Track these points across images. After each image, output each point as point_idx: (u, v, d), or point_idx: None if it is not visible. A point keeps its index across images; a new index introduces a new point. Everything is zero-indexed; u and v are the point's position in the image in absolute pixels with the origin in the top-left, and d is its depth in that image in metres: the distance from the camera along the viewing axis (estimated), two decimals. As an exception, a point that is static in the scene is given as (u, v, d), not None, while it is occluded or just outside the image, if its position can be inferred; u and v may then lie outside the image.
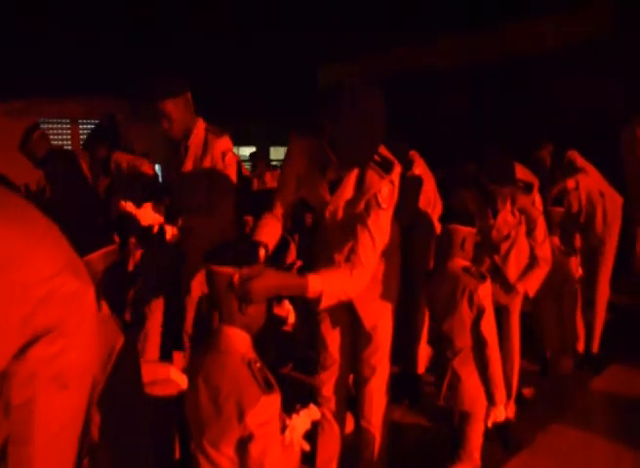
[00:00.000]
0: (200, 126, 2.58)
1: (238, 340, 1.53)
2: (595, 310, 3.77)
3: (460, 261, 2.45)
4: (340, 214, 1.98)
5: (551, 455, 2.63)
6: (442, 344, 2.51)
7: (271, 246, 1.99)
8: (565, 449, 2.67)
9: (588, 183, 3.63)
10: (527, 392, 3.26)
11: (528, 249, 2.87)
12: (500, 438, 2.76)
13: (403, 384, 3.36)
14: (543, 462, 2.58)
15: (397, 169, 1.92)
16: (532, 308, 3.60)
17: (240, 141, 16.88)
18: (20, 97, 16.59)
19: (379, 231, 1.87)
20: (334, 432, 2.26)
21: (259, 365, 1.47)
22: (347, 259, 1.83)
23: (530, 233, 2.82)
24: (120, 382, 2.06)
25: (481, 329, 2.36)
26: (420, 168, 3.34)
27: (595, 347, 3.74)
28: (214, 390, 1.46)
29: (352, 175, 1.91)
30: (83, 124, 16.78)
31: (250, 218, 3.84)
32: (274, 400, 1.44)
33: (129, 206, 2.35)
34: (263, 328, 3.55)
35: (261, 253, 1.57)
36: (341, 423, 2.29)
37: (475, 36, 11.04)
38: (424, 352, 3.41)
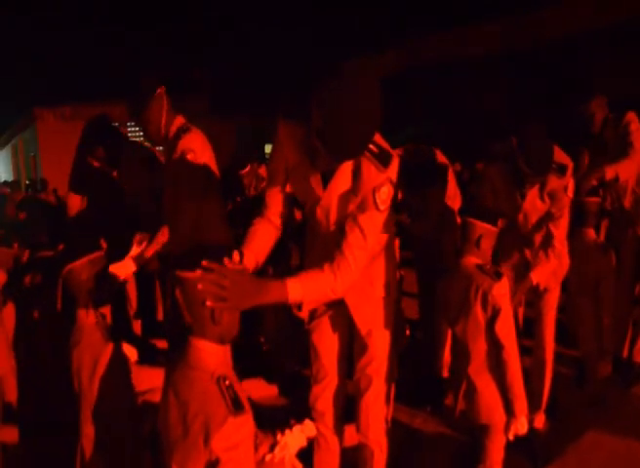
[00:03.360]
0: (176, 125, 2.49)
1: (208, 355, 1.40)
2: None
3: (473, 259, 2.26)
4: (334, 209, 1.80)
5: (583, 469, 2.41)
6: (456, 349, 2.32)
7: (263, 256, 1.84)
8: (599, 463, 2.44)
9: (631, 170, 3.29)
10: (559, 398, 3.01)
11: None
12: (527, 450, 2.54)
13: (425, 389, 3.19)
14: (574, 477, 2.37)
15: (395, 161, 1.74)
16: (568, 308, 3.35)
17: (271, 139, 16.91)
18: (69, 103, 17.19)
19: (371, 231, 1.70)
20: (330, 449, 2.11)
21: (228, 382, 1.34)
22: (332, 259, 1.66)
23: (553, 220, 2.56)
24: (110, 393, 1.99)
25: (497, 331, 2.16)
26: (441, 160, 3.14)
27: None
28: (182, 408, 1.36)
29: (347, 167, 1.74)
30: (132, 126, 17.26)
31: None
32: (244, 421, 1.31)
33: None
34: (287, 331, 3.46)
35: (235, 257, 1.43)
36: (339, 439, 2.14)
37: (511, 21, 10.64)
38: (449, 354, 3.21)
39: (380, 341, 2.02)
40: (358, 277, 1.71)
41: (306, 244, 2.06)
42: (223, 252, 1.47)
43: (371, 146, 1.69)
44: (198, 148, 2.43)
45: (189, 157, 2.39)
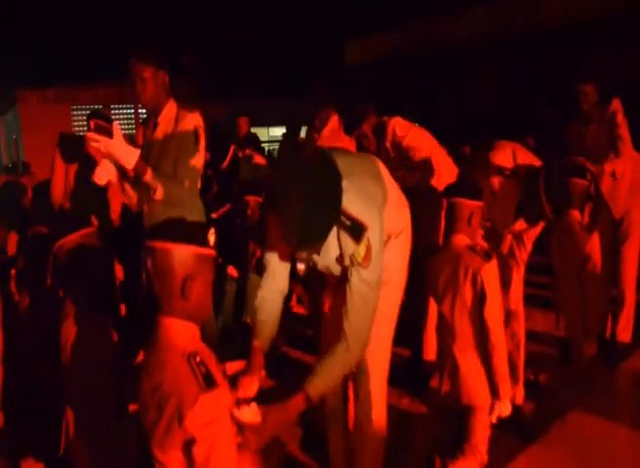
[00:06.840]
0: (172, 104, 2.59)
1: (178, 333, 1.37)
2: (622, 290, 3.47)
3: (464, 238, 2.25)
4: (328, 261, 1.88)
5: (567, 447, 2.43)
6: (442, 328, 2.33)
7: (274, 331, 1.97)
8: (583, 441, 2.46)
9: (625, 168, 3.33)
10: (544, 378, 3.04)
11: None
12: (512, 428, 2.56)
13: (413, 370, 3.20)
14: (558, 455, 2.38)
15: (366, 233, 1.74)
16: (553, 288, 3.37)
17: (271, 122, 16.80)
18: (54, 85, 16.85)
19: (366, 289, 1.76)
20: (341, 419, 2.19)
21: (199, 358, 1.31)
22: (341, 337, 1.76)
23: None
24: (96, 369, 1.96)
25: (484, 313, 2.16)
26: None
27: (625, 332, 3.44)
28: (156, 391, 1.32)
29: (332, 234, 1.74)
30: (116, 109, 16.95)
31: (251, 199, 3.68)
32: (217, 396, 1.28)
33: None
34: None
35: (211, 235, 1.42)
36: (344, 407, 2.21)
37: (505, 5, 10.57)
38: (434, 336, 3.21)
39: (385, 321, 2.06)
40: (367, 344, 1.80)
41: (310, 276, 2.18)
42: (198, 227, 1.44)
43: (342, 219, 1.72)
44: (202, 126, 2.56)
45: (199, 133, 2.53)
